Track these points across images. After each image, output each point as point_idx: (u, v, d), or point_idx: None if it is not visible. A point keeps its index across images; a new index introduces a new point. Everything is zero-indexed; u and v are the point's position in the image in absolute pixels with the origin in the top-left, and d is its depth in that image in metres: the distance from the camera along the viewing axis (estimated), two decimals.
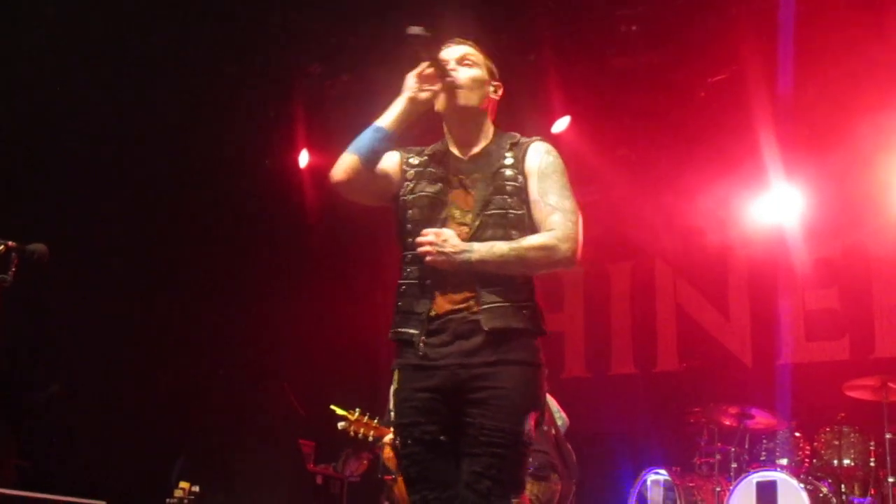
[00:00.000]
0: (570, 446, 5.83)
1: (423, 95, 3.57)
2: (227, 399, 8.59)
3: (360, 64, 8.04)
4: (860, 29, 7.06)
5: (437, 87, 3.55)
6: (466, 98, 3.60)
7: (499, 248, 3.43)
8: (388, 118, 3.58)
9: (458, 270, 3.42)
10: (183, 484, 6.65)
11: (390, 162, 3.67)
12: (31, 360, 8.02)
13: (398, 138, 3.60)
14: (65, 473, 7.66)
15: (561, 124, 8.33)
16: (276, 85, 8.35)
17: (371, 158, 3.55)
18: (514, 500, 3.40)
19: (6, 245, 3.88)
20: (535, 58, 7.90)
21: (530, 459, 5.17)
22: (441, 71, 3.53)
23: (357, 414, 5.76)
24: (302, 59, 8.22)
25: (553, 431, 5.68)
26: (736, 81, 7.83)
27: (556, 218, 3.48)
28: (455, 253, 3.40)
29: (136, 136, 8.10)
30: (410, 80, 3.57)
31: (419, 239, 3.46)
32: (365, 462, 8.32)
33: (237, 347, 9.00)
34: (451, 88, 3.54)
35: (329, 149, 8.39)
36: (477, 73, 3.64)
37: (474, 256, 3.40)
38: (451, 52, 3.67)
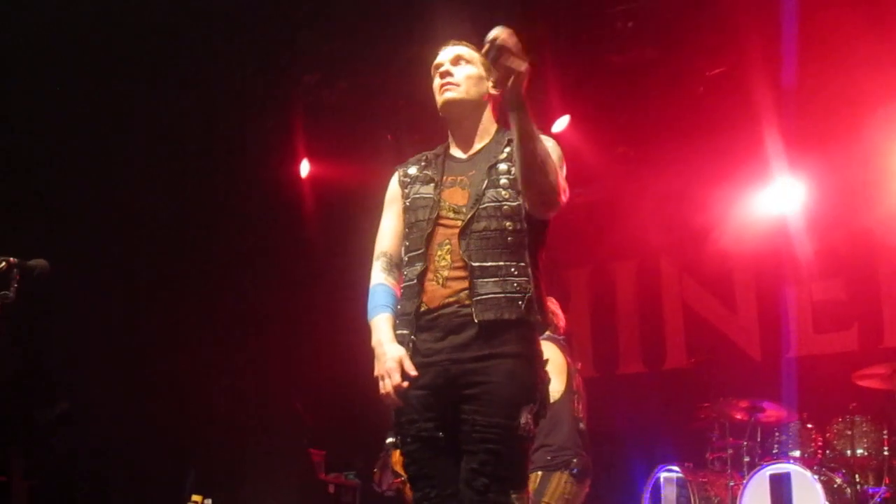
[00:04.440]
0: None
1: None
2: (235, 410, 8.55)
3: (358, 71, 8.02)
4: (862, 19, 7.02)
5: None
6: (464, 93, 3.59)
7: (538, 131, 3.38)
8: None
9: (512, 93, 3.28)
10: (195, 497, 6.62)
11: (394, 194, 3.67)
12: (36, 378, 7.98)
13: None
14: (73, 492, 7.62)
15: (560, 123, 8.30)
16: (274, 95, 8.33)
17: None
18: (514, 496, 3.29)
19: (7, 262, 3.82)
20: (533, 58, 7.87)
21: (575, 461, 5.15)
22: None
23: None
24: (299, 68, 8.20)
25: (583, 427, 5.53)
26: (734, 74, 7.79)
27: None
28: (522, 65, 3.28)
29: (135, 150, 8.07)
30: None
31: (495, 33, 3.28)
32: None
33: (245, 360, 8.96)
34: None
35: (328, 157, 8.46)
36: (471, 70, 3.63)
37: (524, 107, 3.29)
38: (445, 55, 3.67)
